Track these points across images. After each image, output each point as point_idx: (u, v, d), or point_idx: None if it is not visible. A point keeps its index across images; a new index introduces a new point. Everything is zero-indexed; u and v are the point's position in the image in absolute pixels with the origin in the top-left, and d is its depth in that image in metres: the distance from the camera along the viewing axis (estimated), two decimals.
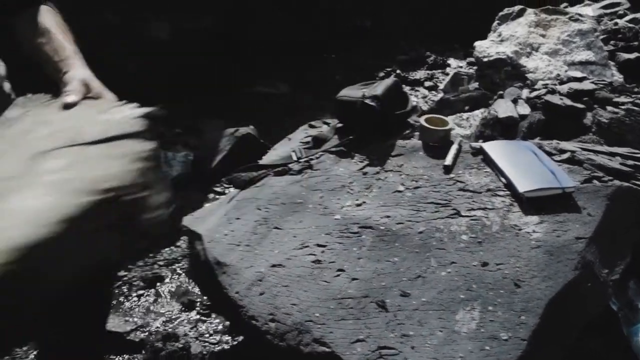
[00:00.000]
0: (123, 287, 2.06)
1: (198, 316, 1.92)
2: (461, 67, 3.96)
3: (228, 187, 2.64)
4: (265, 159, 1.68)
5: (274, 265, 1.28)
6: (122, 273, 2.13)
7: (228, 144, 2.73)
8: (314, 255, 1.29)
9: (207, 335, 1.84)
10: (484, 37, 2.88)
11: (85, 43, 1.09)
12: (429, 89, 3.74)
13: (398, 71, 3.93)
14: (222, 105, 3.14)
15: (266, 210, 1.45)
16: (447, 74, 3.71)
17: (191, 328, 1.87)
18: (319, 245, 1.31)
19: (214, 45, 3.26)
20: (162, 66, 2.87)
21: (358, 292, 1.19)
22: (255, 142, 2.83)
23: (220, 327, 1.86)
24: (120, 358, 1.76)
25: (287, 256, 1.30)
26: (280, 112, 3.26)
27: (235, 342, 1.79)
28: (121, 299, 2.01)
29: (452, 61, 4.11)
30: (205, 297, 1.97)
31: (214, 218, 1.50)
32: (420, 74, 3.96)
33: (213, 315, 1.91)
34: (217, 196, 2.58)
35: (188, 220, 1.53)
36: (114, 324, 1.86)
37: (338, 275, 1.23)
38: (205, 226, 1.47)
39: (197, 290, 2.02)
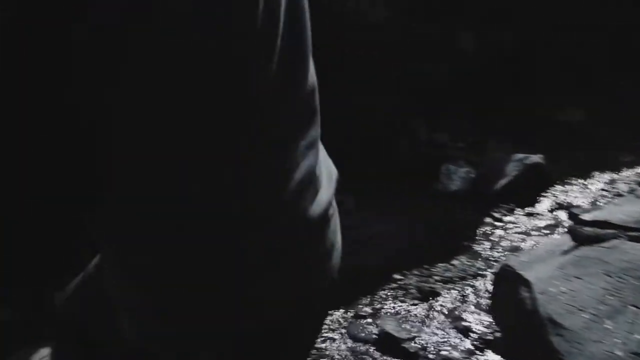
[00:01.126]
0: (399, 291, 2.14)
1: (472, 347, 1.87)
2: None
3: (507, 215, 2.52)
4: (609, 215, 1.50)
5: (636, 354, 1.12)
6: (398, 276, 2.21)
7: (515, 169, 2.59)
8: None
9: None
10: None
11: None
12: None
13: None
14: (510, 126, 2.99)
15: (619, 280, 1.29)
16: None
17: (464, 358, 1.83)
18: None
19: (511, 61, 3.11)
20: (464, 78, 2.85)
21: None
22: (543, 173, 2.63)
23: None
24: None
25: None
26: (571, 143, 2.96)
27: None
28: (398, 302, 2.08)
29: None
30: (480, 329, 1.91)
31: (545, 267, 1.40)
32: None
33: (488, 352, 1.84)
34: (495, 222, 2.48)
35: (514, 261, 1.47)
36: (392, 326, 1.94)
37: None
38: (535, 274, 1.39)
39: (472, 317, 1.97)
